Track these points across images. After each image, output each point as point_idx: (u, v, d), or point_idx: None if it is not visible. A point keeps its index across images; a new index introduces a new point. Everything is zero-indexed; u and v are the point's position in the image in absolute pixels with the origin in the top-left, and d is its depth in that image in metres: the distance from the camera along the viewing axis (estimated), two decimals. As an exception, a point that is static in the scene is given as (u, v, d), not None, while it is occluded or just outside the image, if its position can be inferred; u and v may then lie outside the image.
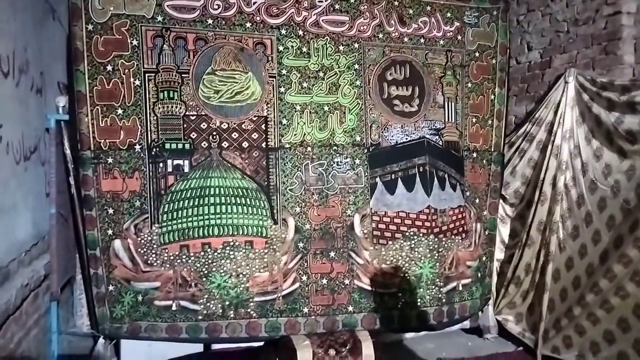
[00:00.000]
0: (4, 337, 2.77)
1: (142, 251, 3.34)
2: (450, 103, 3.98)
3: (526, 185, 4.18)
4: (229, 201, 3.45)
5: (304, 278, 3.60)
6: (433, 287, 3.85)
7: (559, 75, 4.01)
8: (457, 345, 4.16)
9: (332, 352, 3.38)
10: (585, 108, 3.74)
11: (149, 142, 3.31)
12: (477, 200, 4.10)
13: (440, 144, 3.92)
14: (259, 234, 3.51)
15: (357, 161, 3.72)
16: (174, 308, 3.37)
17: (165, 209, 3.37)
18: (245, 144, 3.48)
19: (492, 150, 4.14)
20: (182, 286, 3.38)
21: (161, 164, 3.35)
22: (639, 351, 3.24)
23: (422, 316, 3.84)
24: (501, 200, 4.29)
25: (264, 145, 3.52)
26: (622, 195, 3.39)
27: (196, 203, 3.40)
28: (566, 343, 3.71)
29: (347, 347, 3.43)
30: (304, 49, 3.61)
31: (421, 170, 3.83)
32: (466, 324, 4.37)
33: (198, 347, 3.52)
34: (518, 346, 4.12)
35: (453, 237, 3.94)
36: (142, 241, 3.33)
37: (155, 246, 3.35)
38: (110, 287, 3.33)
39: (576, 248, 3.73)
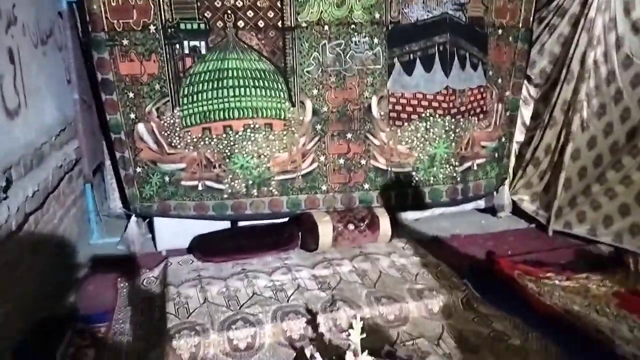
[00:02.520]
0: (47, 212, 3.00)
1: (165, 134, 3.44)
2: (476, -26, 3.72)
3: (553, 64, 4.02)
4: (247, 84, 3.45)
5: (322, 158, 3.70)
6: (447, 166, 3.94)
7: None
8: (470, 223, 4.32)
9: (351, 226, 3.57)
10: (625, -26, 3.45)
11: (164, 22, 3.24)
12: (499, 80, 3.99)
13: (464, 20, 3.73)
14: (278, 117, 3.55)
15: (376, 40, 3.60)
16: (200, 188, 3.55)
17: (185, 92, 3.40)
18: (261, 23, 3.38)
19: (520, 26, 3.93)
20: (207, 167, 3.52)
21: (177, 46, 3.32)
22: (652, 222, 3.35)
23: (435, 193, 3.99)
24: (525, 81, 4.17)
25: (279, 24, 3.41)
26: (660, 69, 3.27)
27: (215, 86, 3.42)
28: (579, 218, 3.83)
29: (365, 222, 3.61)
30: None
31: (441, 49, 3.70)
32: (481, 204, 4.49)
33: (225, 225, 3.75)
34: (530, 224, 4.27)
35: (470, 117, 3.92)
36: (165, 124, 3.42)
37: (178, 129, 3.44)
38: (138, 169, 3.50)
39: (601, 127, 3.68)
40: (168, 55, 3.31)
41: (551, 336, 2.54)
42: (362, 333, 2.13)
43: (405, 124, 3.78)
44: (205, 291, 2.87)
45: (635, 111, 3.44)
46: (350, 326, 2.17)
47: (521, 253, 3.61)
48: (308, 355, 2.22)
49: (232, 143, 3.51)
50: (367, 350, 2.15)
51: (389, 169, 3.84)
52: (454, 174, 3.98)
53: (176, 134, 3.45)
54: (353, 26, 3.53)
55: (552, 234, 4.02)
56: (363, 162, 3.78)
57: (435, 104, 3.77)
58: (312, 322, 2.61)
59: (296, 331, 2.58)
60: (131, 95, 3.33)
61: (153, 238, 3.77)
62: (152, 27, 3.24)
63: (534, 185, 4.28)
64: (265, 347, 2.48)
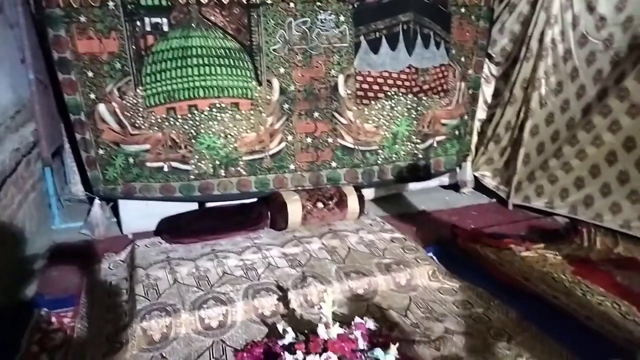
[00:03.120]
0: (5, 198, 2.89)
1: (128, 114, 3.34)
2: (440, -47, 3.75)
3: (513, 42, 4.13)
4: (212, 62, 3.39)
5: (290, 138, 3.70)
6: (409, 143, 4.03)
7: None
8: (435, 199, 4.44)
9: (319, 205, 3.61)
10: (581, -46, 3.56)
11: (122, -3, 3.13)
12: (462, 59, 4.08)
13: (428, -2, 3.77)
14: (244, 96, 3.51)
15: (342, 18, 3.59)
16: (165, 169, 3.49)
17: (148, 71, 3.30)
18: (225, 0, 3.31)
19: (482, 4, 4.01)
20: (172, 148, 3.46)
21: (138, 23, 3.20)
22: (604, 193, 3.53)
23: (398, 170, 4.09)
24: (487, 59, 4.27)
25: (244, 0, 3.35)
26: (614, 49, 3.41)
27: (179, 64, 3.33)
28: (537, 192, 4.00)
29: (334, 201, 3.65)
30: None
31: (405, 28, 3.74)
32: (445, 180, 4.62)
33: (193, 206, 3.71)
34: (492, 199, 4.42)
35: (432, 95, 4.00)
36: (128, 104, 3.32)
37: (141, 109, 3.35)
38: (100, 151, 3.40)
39: (558, 103, 3.83)
40: (129, 33, 3.20)
41: (512, 303, 2.67)
42: (332, 306, 2.18)
43: (372, 102, 3.82)
44: (175, 272, 2.85)
45: (590, 88, 3.59)
46: (322, 300, 2.22)
47: (483, 227, 3.75)
48: (280, 330, 2.25)
49: (197, 123, 3.45)
50: (338, 323, 2.21)
51: (356, 147, 3.88)
52: (416, 151, 4.08)
53: (139, 115, 3.36)
54: (319, 3, 3.51)
55: (512, 207, 4.19)
56: (330, 140, 3.81)
57: (399, 83, 3.83)
58: (284, 299, 2.65)
59: (268, 308, 2.61)
60: (90, 74, 3.22)
61: (118, 222, 3.70)
62: (110, 3, 3.11)
63: (495, 161, 4.42)
64: (237, 324, 2.50)
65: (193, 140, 3.47)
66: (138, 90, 3.31)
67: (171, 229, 3.42)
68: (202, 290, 2.67)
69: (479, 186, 4.58)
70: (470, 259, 3.19)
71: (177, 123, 3.42)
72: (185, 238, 3.32)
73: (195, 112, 3.43)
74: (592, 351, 2.22)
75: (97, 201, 3.56)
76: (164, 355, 2.25)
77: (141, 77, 3.29)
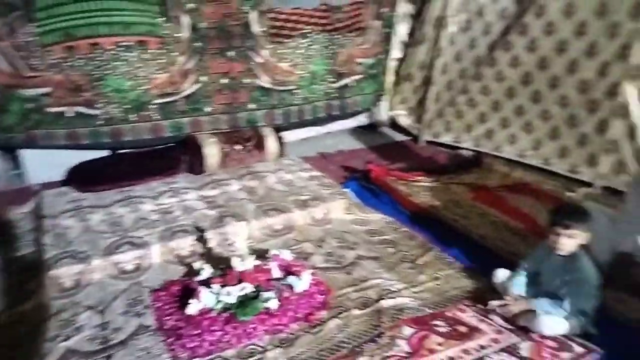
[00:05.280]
0: None
1: (21, 54, 3.06)
2: None
3: (425, -20, 4.20)
4: (114, -4, 3.15)
5: (204, 79, 3.59)
6: (325, 82, 4.06)
7: None
8: (353, 139, 4.58)
9: (238, 147, 3.59)
10: None
11: None
12: (376, -4, 4.09)
13: None
14: (152, 33, 3.32)
15: (251, -50, 3.44)
16: (69, 114, 3.27)
17: (41, 5, 3.00)
18: None
19: (394, -59, 4.00)
20: (75, 91, 3.23)
21: (22, -52, 2.88)
22: (503, 126, 3.82)
23: (315, 110, 4.13)
24: (401, -2, 4.32)
25: None
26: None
27: (76, -2, 3.07)
28: (446, 128, 4.24)
29: (252, 142, 3.65)
30: None
31: (319, -37, 3.67)
32: (363, 120, 4.75)
33: (104, 154, 3.55)
34: (407, 136, 4.63)
35: (347, 34, 4.01)
36: (20, 43, 3.03)
37: (36, 48, 3.07)
38: (-7, 96, 3.12)
39: (466, 41, 4.00)
40: (13, -40, 2.87)
41: (418, 229, 2.90)
42: (247, 239, 2.25)
43: (287, 40, 3.76)
44: (87, 220, 2.77)
45: (495, 25, 3.78)
46: (237, 234, 2.28)
47: (398, 163, 3.94)
48: (197, 267, 2.30)
49: (102, 63, 3.23)
50: (253, 255, 2.29)
51: (274, 87, 3.85)
52: (331, 91, 4.13)
53: (35, 55, 3.08)
54: None
55: (423, 144, 4.41)
56: (247, 81, 3.73)
57: (313, 20, 3.78)
58: (201, 239, 2.67)
59: (185, 249, 2.63)
60: (-31, 8, 2.88)
61: (24, 173, 3.47)
62: None
63: (409, 100, 4.59)
64: (154, 266, 2.51)
65: (98, 83, 3.27)
66: (30, 27, 3.01)
67: (81, 178, 3.27)
68: (116, 235, 2.62)
69: (395, 125, 4.75)
70: (382, 192, 3.37)
71: (79, 64, 3.18)
72: (97, 186, 3.19)
73: (99, 51, 3.20)
74: (485, 264, 2.47)
75: (-5, 152, 3.31)
76: (77, 301, 2.23)
77: (32, 11, 3.00)
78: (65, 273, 2.30)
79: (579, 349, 1.97)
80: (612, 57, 3.16)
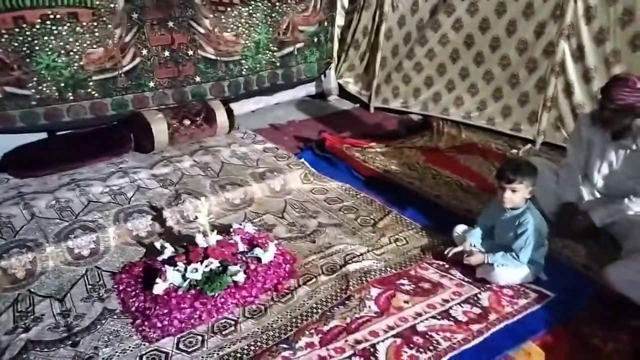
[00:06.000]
0: None
1: None
2: None
3: (365, -56, 4.16)
4: (36, -38, 2.89)
5: (145, 52, 3.41)
6: (268, 52, 3.99)
7: None
8: (303, 109, 4.54)
9: (186, 122, 3.46)
10: None
11: None
12: (318, -38, 4.02)
13: None
14: (82, 4, 3.09)
15: None
16: (-1, 96, 3.03)
17: (-49, -24, 2.72)
18: None
19: None
20: (2, 70, 2.97)
21: None
22: (449, 89, 3.93)
23: (260, 80, 4.06)
24: (343, -37, 4.27)
25: None
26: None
27: (-8, -33, 2.79)
28: (394, 93, 4.30)
29: (202, 116, 3.54)
30: None
31: None
32: (312, 90, 4.72)
33: (41, 137, 3.32)
34: (356, 104, 4.65)
35: (289, 1, 3.94)
36: None
37: (-49, 24, 2.79)
38: None
39: (408, 5, 4.03)
40: None
41: (375, 194, 2.96)
42: (208, 215, 2.21)
43: (228, 9, 3.63)
44: (31, 207, 2.60)
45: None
46: (197, 211, 2.23)
47: (349, 131, 3.96)
48: (158, 247, 2.23)
49: (29, 39, 2.98)
50: (215, 230, 2.26)
51: (219, 58, 3.73)
52: (274, 59, 4.07)
53: (-50, 31, 2.81)
54: None
55: (373, 110, 4.46)
56: (190, 53, 3.59)
57: (255, -13, 3.68)
58: (159, 218, 2.60)
59: (143, 229, 2.55)
60: None
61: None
62: None
63: (356, 67, 4.60)
64: (112, 249, 2.41)
65: (27, 60, 3.01)
66: (-59, 1, 2.73)
67: (19, 162, 3.05)
68: (66, 221, 2.49)
69: (343, 93, 4.76)
70: (338, 159, 3.39)
71: (3, 39, 2.92)
72: (37, 171, 2.99)
73: (25, 25, 2.94)
74: (441, 223, 2.58)
75: None
76: (33, 290, 2.12)
77: (-60, -17, 2.70)
78: (15, 263, 2.17)
79: (533, 295, 2.12)
80: (548, 17, 3.30)
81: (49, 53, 3.07)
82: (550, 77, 3.35)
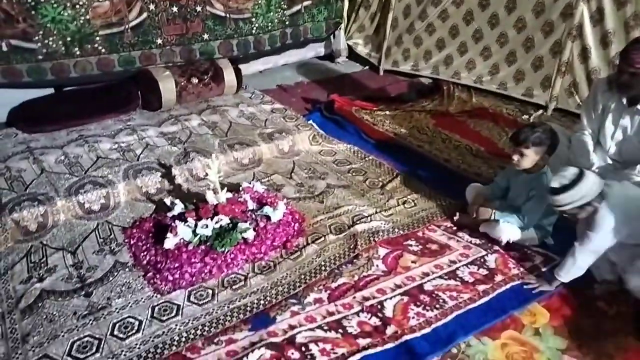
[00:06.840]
0: None
1: (-62, -20, 2.71)
2: None
3: None
4: None
5: (152, 7, 3.33)
6: (280, 9, 3.89)
7: None
8: (312, 70, 4.47)
9: (194, 80, 3.42)
10: None
11: None
12: None
13: None
14: (89, -45, 3.01)
15: None
16: (4, 48, 2.98)
17: None
18: None
19: None
20: (8, 22, 2.93)
21: None
22: (461, 52, 3.85)
23: (272, 39, 3.97)
24: None
25: None
26: None
27: None
28: (405, 56, 4.22)
29: (209, 75, 3.49)
30: None
31: None
32: (321, 51, 4.64)
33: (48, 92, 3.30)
34: (365, 66, 4.57)
35: None
36: None
37: (-45, -27, 2.73)
38: None
39: (421, -37, 3.90)
40: None
41: (384, 157, 2.95)
42: (218, 172, 2.21)
43: (238, -38, 3.53)
44: (41, 162, 2.60)
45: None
46: (207, 168, 2.23)
47: (358, 93, 3.91)
48: (168, 203, 2.25)
49: (34, -10, 2.92)
50: (225, 188, 2.26)
51: (228, 15, 3.64)
52: (284, 18, 3.97)
53: (-45, -19, 2.74)
54: None
55: (382, 73, 4.39)
56: (199, 9, 3.50)
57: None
58: (168, 175, 2.60)
59: (152, 186, 2.56)
60: None
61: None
62: None
63: (366, 28, 4.49)
64: (122, 204, 2.43)
65: (33, 12, 2.96)
66: (-56, -52, 2.65)
67: (27, 117, 3.04)
68: (76, 176, 2.50)
69: (352, 55, 4.67)
70: (346, 122, 3.36)
71: (8, -10, 2.86)
72: (45, 125, 2.99)
73: (30, -25, 2.88)
74: (450, 187, 2.57)
75: None
76: (45, 243, 2.15)
77: None
78: (27, 216, 2.19)
79: (539, 258, 2.13)
80: (568, -23, 3.19)
81: (55, 5, 3.01)
82: (566, 41, 3.27)
